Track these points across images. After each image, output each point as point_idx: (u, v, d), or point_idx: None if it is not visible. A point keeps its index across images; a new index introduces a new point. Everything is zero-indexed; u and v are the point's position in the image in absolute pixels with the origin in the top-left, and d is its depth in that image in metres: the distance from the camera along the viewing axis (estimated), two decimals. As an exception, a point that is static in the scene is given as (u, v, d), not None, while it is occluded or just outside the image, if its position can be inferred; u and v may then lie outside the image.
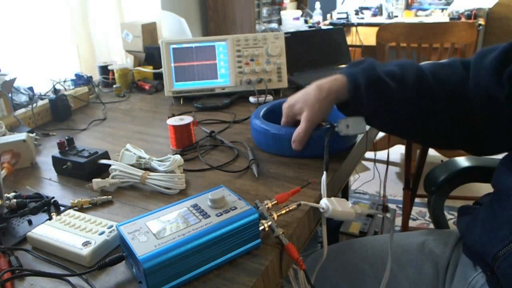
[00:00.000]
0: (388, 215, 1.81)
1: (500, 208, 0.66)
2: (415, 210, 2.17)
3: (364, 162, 2.64)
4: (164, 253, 0.47)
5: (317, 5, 3.28)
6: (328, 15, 3.30)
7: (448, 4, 3.11)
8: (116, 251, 0.57)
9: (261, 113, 0.89)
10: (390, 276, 0.73)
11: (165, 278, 0.48)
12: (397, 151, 2.72)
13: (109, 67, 1.45)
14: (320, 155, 0.74)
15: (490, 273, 0.66)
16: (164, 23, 1.85)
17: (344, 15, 3.02)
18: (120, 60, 1.79)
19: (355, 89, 0.70)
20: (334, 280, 0.84)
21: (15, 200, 0.68)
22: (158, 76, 1.39)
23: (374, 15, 3.24)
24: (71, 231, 0.59)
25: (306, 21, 3.25)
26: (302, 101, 0.76)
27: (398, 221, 1.92)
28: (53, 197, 0.69)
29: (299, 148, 0.77)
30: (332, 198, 0.64)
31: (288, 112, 0.80)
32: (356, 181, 2.39)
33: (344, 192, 1.82)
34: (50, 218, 0.64)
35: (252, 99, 1.18)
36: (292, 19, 3.10)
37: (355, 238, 1.48)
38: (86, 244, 0.55)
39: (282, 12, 3.12)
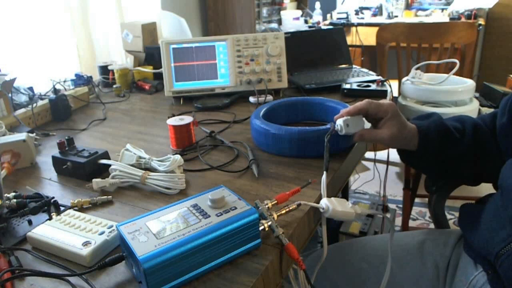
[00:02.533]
0: (388, 215, 1.81)
1: (503, 207, 0.67)
2: (415, 210, 2.17)
3: (364, 162, 2.64)
4: (164, 253, 0.47)
5: (317, 5, 3.28)
6: (328, 15, 3.30)
7: (448, 4, 3.11)
8: (116, 251, 0.57)
9: (261, 113, 0.89)
10: (390, 276, 0.73)
11: (165, 278, 0.48)
12: (397, 151, 2.71)
13: (109, 67, 1.45)
14: (320, 155, 0.74)
15: (491, 271, 0.66)
16: (164, 23, 1.85)
17: (344, 15, 3.03)
18: (120, 60, 1.79)
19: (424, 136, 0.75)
20: (334, 280, 0.84)
21: (15, 200, 0.68)
22: (158, 76, 1.39)
23: (374, 15, 3.25)
24: (71, 231, 0.59)
25: (306, 21, 3.25)
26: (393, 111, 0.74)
27: (398, 221, 1.92)
28: (53, 197, 0.69)
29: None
30: (332, 198, 0.64)
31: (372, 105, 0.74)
32: (356, 181, 2.39)
33: (344, 192, 1.82)
34: (50, 218, 0.64)
35: (252, 99, 1.18)
36: (292, 19, 3.10)
37: (355, 238, 1.48)
38: (86, 244, 0.55)
39: (282, 12, 3.12)
